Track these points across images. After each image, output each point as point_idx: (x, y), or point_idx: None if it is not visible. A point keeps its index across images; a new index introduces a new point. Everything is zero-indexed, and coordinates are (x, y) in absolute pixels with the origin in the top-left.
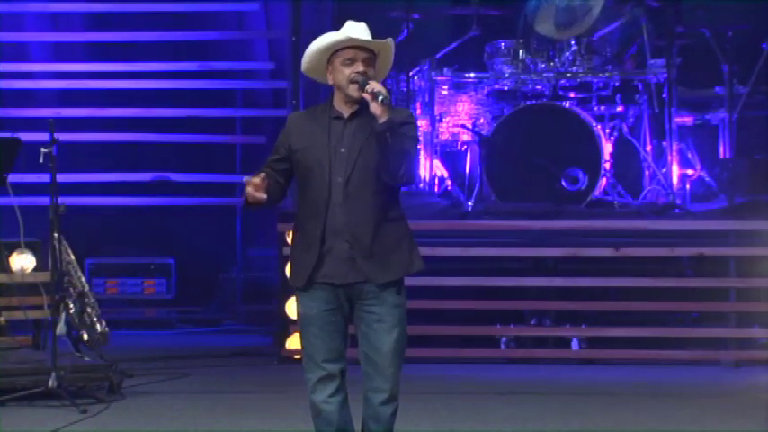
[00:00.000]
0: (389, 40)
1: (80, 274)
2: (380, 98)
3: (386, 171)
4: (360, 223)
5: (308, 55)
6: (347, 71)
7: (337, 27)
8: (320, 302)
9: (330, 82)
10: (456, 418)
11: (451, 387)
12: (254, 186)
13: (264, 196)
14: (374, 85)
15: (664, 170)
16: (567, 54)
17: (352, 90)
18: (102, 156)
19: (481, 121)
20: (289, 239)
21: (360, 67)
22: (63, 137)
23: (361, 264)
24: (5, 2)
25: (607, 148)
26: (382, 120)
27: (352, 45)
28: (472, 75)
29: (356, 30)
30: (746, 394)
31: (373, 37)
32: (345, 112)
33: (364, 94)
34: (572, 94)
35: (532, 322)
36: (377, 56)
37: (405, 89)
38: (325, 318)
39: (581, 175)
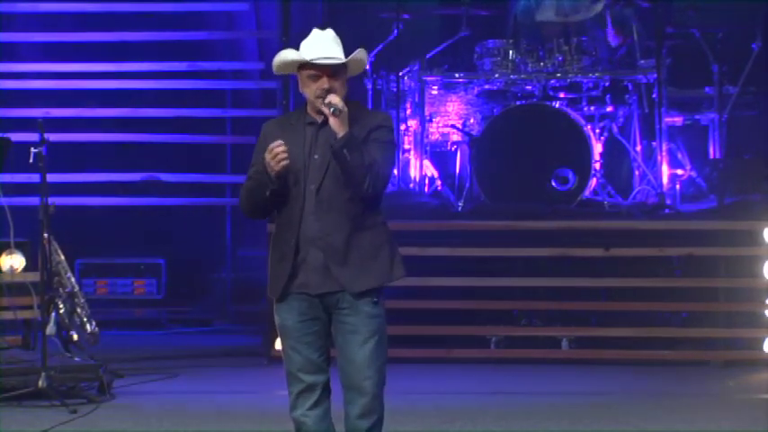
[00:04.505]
0: (356, 54)
1: (70, 274)
2: (332, 109)
3: (349, 186)
4: (333, 231)
5: (275, 66)
6: (313, 86)
7: (327, 27)
8: (295, 314)
9: (300, 90)
10: (445, 418)
11: (441, 387)
12: (276, 154)
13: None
14: (331, 98)
15: (654, 170)
16: (557, 54)
17: (319, 104)
18: (91, 156)
19: (471, 121)
20: None
21: (324, 84)
22: (53, 137)
23: (336, 272)
24: None
25: (597, 148)
26: (339, 135)
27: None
28: (462, 75)
29: (317, 46)
30: (735, 394)
31: (352, 39)
32: (318, 117)
33: (323, 108)
34: (562, 95)
35: (522, 322)
36: (346, 64)
37: (395, 89)
38: (301, 329)
39: (571, 175)
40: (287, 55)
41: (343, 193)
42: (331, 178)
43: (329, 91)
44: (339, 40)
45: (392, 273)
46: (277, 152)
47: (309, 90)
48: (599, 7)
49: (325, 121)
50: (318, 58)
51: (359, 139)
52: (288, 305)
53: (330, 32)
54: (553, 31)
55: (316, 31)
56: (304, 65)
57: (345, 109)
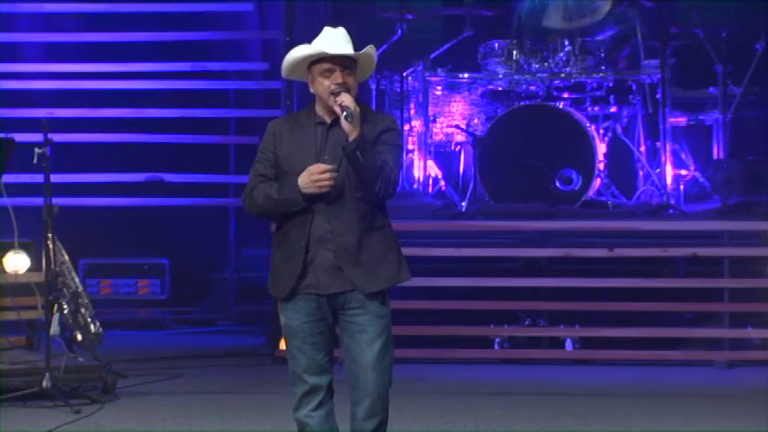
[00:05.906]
0: (368, 49)
1: (74, 274)
2: (344, 114)
3: (361, 188)
4: (345, 231)
5: (285, 65)
6: (326, 82)
7: (331, 27)
8: (302, 314)
9: (311, 90)
10: (449, 419)
11: (445, 387)
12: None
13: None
14: (343, 98)
15: (657, 171)
16: (561, 54)
17: (332, 102)
18: (95, 156)
19: (475, 121)
20: None
21: (338, 79)
22: (56, 137)
23: (348, 273)
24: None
25: (601, 148)
26: (351, 137)
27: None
28: (466, 75)
29: (331, 41)
30: (739, 395)
31: (356, 39)
32: (328, 117)
33: (335, 107)
34: (566, 95)
35: (526, 323)
36: (357, 61)
37: (399, 90)
38: (307, 330)
39: (575, 175)
40: (301, 50)
41: (353, 194)
42: (342, 179)
43: (343, 86)
44: (350, 39)
45: (399, 275)
46: (324, 177)
47: (322, 87)
48: (606, 8)
49: (335, 122)
50: (333, 51)
51: (370, 140)
52: (295, 305)
53: (342, 30)
54: (558, 37)
55: (328, 29)
56: (316, 61)
57: (358, 110)
